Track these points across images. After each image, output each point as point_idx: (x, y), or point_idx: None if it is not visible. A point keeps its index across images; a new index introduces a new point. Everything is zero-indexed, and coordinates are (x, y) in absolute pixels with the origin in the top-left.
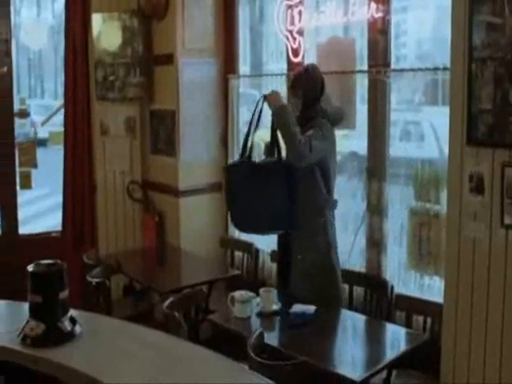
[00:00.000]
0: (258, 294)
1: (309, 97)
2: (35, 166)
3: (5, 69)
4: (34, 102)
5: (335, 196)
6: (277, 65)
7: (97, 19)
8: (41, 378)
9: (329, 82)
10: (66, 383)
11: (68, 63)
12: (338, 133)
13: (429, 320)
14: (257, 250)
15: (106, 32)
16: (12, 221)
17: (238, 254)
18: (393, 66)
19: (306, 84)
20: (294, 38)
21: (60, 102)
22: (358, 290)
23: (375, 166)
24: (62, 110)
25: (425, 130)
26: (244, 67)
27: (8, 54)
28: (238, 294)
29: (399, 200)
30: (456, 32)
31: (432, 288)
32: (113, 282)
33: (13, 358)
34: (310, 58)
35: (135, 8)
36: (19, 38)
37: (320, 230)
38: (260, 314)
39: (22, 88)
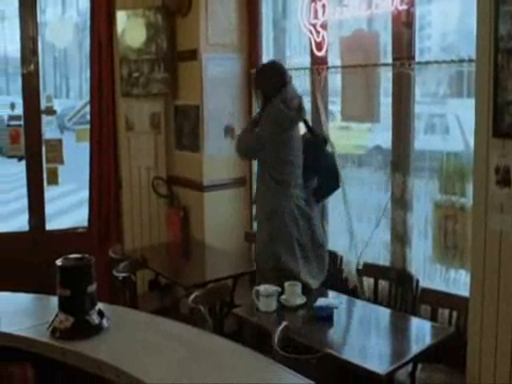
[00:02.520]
0: (282, 288)
1: (267, 94)
2: (62, 162)
3: (32, 67)
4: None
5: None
6: (300, 59)
7: (121, 16)
8: (69, 370)
9: (352, 75)
10: (94, 375)
11: (93, 60)
12: (363, 126)
13: (454, 314)
14: None
15: (131, 29)
16: (39, 217)
17: None
18: (417, 59)
19: (259, 85)
20: (318, 32)
21: (84, 101)
22: (383, 284)
23: (400, 159)
24: (88, 107)
25: (450, 123)
26: None
27: (35, 52)
28: (262, 287)
29: (424, 193)
30: (481, 23)
31: (458, 281)
32: (138, 276)
33: (42, 351)
34: (333, 51)
35: (159, 4)
36: (45, 36)
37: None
38: (285, 308)
39: (47, 87)
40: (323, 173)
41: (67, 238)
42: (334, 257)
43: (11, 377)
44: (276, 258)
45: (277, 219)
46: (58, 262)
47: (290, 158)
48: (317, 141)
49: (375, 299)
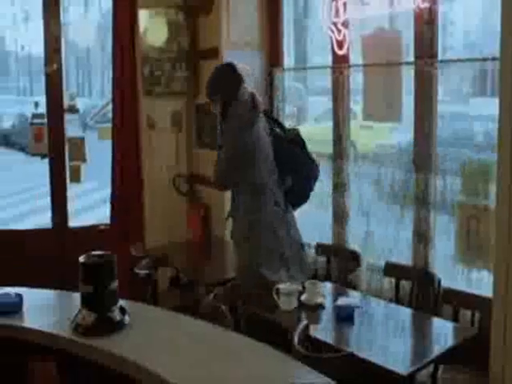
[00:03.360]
0: (303, 287)
1: (228, 97)
2: (84, 160)
3: (55, 66)
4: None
5: None
6: (321, 58)
7: (143, 15)
8: (92, 366)
9: (374, 74)
10: (116, 371)
11: (115, 59)
12: (384, 125)
13: (477, 315)
14: (302, 243)
15: (153, 27)
16: (62, 214)
17: None
18: (440, 57)
19: (217, 89)
20: (339, 30)
21: (106, 100)
22: (404, 284)
23: (422, 158)
24: (110, 106)
25: (473, 122)
26: (288, 60)
27: (58, 51)
28: (283, 286)
29: (446, 193)
30: (506, 20)
31: (480, 282)
32: (159, 273)
33: (65, 346)
34: (354, 50)
35: (181, 3)
36: (68, 36)
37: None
38: (305, 307)
39: (70, 86)
40: (298, 170)
41: (89, 235)
42: (354, 256)
43: (34, 372)
44: (258, 276)
45: (254, 239)
46: (81, 259)
47: (261, 159)
48: (288, 135)
49: (396, 299)
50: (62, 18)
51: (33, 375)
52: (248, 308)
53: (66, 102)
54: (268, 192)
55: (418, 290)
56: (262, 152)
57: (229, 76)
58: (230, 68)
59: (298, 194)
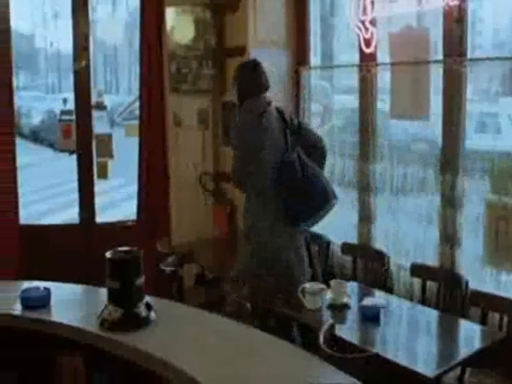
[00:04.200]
0: (328, 286)
1: (240, 93)
2: (111, 156)
3: (83, 63)
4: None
5: None
6: (348, 56)
7: (170, 13)
8: (118, 362)
9: (402, 72)
10: (141, 367)
11: (143, 57)
12: (411, 124)
13: (505, 318)
14: (328, 242)
15: (180, 25)
16: (89, 210)
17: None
18: (468, 56)
19: (234, 84)
20: (366, 29)
21: (133, 97)
22: (431, 285)
23: (450, 158)
24: (137, 103)
25: (502, 122)
26: (315, 58)
27: (86, 49)
28: (308, 285)
29: (475, 193)
30: None
31: (509, 284)
32: (185, 270)
33: (91, 341)
34: (382, 48)
35: (208, 1)
36: (96, 33)
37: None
38: (331, 306)
39: (98, 83)
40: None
41: (116, 231)
42: (381, 257)
43: (62, 366)
44: (249, 276)
45: (251, 240)
46: (108, 255)
47: (264, 162)
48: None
49: (423, 300)
50: (90, 16)
51: (60, 369)
52: (273, 306)
53: (94, 99)
54: (268, 199)
55: (445, 291)
56: (265, 158)
57: (247, 71)
58: (252, 65)
59: (297, 216)
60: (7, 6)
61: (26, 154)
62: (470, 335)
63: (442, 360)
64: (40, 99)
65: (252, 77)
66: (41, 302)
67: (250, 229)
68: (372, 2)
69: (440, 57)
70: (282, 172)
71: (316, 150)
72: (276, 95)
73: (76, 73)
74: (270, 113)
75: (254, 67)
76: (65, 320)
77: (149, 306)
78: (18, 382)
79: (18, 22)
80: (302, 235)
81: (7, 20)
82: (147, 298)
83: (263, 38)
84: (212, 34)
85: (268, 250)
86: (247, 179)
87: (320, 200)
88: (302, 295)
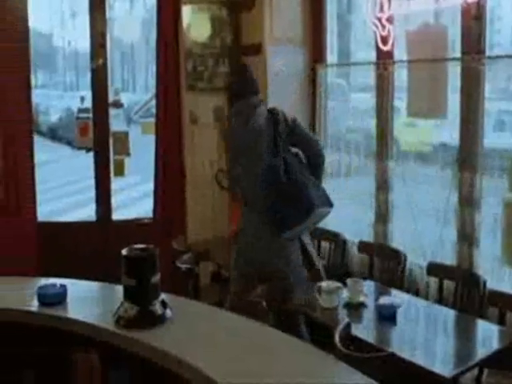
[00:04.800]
0: (344, 285)
1: (228, 97)
2: (128, 154)
3: (100, 61)
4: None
5: None
6: (365, 53)
7: (187, 11)
8: (133, 359)
9: (419, 70)
10: (156, 364)
11: (159, 55)
12: (429, 123)
13: None
14: (344, 241)
15: (196, 23)
16: (106, 207)
17: (324, 244)
18: (487, 53)
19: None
20: (383, 26)
21: (150, 95)
22: (448, 284)
23: (467, 156)
24: (153, 101)
25: None
26: (331, 56)
27: (103, 47)
28: (324, 284)
29: (493, 192)
30: None
31: None
32: (201, 268)
33: (107, 338)
34: (399, 45)
35: None
36: (113, 32)
37: None
38: (347, 305)
39: (115, 81)
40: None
41: (132, 228)
42: (397, 255)
43: (77, 363)
44: (241, 274)
45: (241, 238)
46: (124, 252)
47: (245, 168)
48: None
49: (440, 300)
50: (107, 14)
51: (76, 366)
52: (289, 305)
53: (111, 97)
54: (254, 203)
55: (463, 291)
56: (251, 162)
57: (236, 74)
58: (241, 68)
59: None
60: (26, 6)
61: (44, 152)
62: (488, 335)
63: (460, 360)
64: (58, 97)
65: (240, 80)
66: (57, 298)
67: (239, 230)
68: (389, 0)
69: (458, 54)
70: (265, 176)
71: (311, 155)
72: (292, 93)
73: (93, 71)
74: (258, 115)
75: (243, 71)
76: (81, 317)
77: (164, 304)
78: (35, 380)
79: (37, 21)
80: (292, 240)
81: (26, 20)
82: (163, 296)
83: (279, 36)
84: (228, 31)
85: (254, 250)
86: (235, 183)
87: (307, 205)
88: (317, 294)
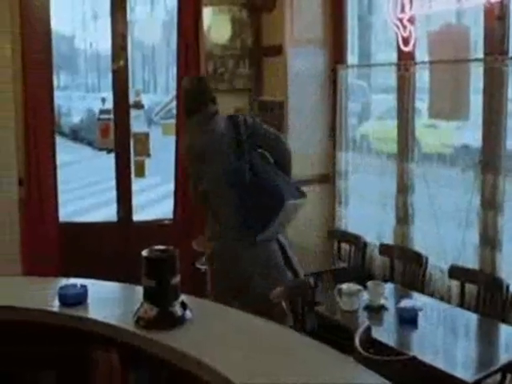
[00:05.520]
0: (365, 287)
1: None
2: (149, 155)
3: (121, 63)
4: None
5: None
6: (385, 54)
7: (207, 13)
8: (154, 360)
9: (441, 71)
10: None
11: (180, 56)
12: (450, 124)
13: None
14: (364, 243)
15: (217, 25)
16: (127, 208)
17: (345, 246)
18: (510, 54)
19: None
20: (405, 27)
21: (171, 96)
22: (471, 288)
23: (490, 158)
24: (174, 102)
25: None
26: (352, 57)
27: (124, 49)
28: (345, 286)
29: None
30: None
31: None
32: None
33: (127, 339)
34: (420, 46)
35: (244, 0)
36: (134, 33)
37: None
38: (367, 308)
39: (136, 82)
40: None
41: (153, 229)
42: (419, 258)
43: (98, 363)
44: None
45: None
46: (144, 253)
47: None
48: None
49: (462, 303)
50: (128, 16)
51: (97, 366)
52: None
53: (132, 98)
54: (224, 222)
55: (485, 294)
56: (211, 172)
57: (187, 90)
58: (194, 81)
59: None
60: (48, 8)
61: (66, 153)
62: (511, 340)
63: (481, 365)
64: (79, 99)
65: (194, 93)
66: (78, 299)
67: (213, 252)
68: (411, 0)
69: (480, 55)
70: (231, 179)
71: (277, 152)
72: (312, 94)
73: (114, 72)
74: (216, 122)
75: (196, 83)
76: (101, 317)
77: (184, 305)
78: (56, 379)
79: (59, 23)
80: (267, 245)
81: (48, 22)
82: (183, 297)
83: (300, 37)
84: (249, 33)
85: (234, 276)
86: (203, 199)
87: (277, 197)
88: (338, 296)
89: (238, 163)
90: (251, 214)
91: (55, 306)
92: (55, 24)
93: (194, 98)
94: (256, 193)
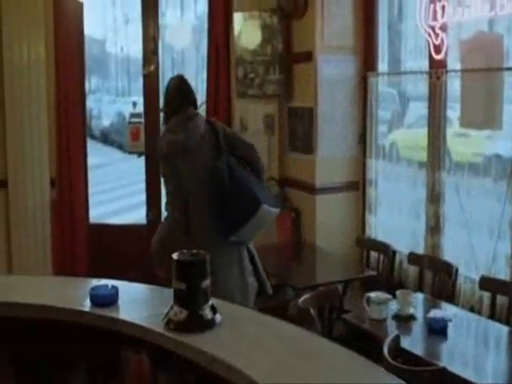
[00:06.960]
0: (394, 296)
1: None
2: None
3: (152, 67)
4: None
5: None
6: (414, 62)
7: (238, 18)
8: (183, 362)
9: (473, 80)
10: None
11: (210, 61)
12: (482, 133)
13: None
14: (393, 252)
15: (247, 30)
16: (156, 211)
17: (373, 254)
18: None
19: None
20: (437, 34)
21: (200, 101)
22: (502, 299)
23: None
24: (204, 107)
25: None
26: (382, 64)
27: (155, 52)
28: (374, 294)
29: None
30: None
31: None
32: None
33: (156, 341)
34: (452, 54)
35: (275, 6)
36: (165, 38)
37: None
38: (396, 317)
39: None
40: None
41: None
42: (449, 268)
43: (128, 363)
44: None
45: None
46: (175, 256)
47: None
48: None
49: (492, 315)
50: (159, 20)
51: (127, 366)
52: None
53: (162, 102)
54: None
55: None
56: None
57: (172, 89)
58: (175, 83)
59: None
60: (81, 12)
61: (97, 155)
62: None
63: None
64: (110, 102)
65: (175, 94)
66: (109, 299)
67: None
68: (443, 8)
69: None
70: (209, 176)
71: (253, 164)
72: (342, 101)
73: (145, 77)
74: (196, 123)
75: (177, 85)
76: (131, 318)
77: (214, 309)
78: (86, 378)
79: (91, 28)
80: (237, 248)
81: (81, 26)
82: (212, 301)
83: (330, 44)
84: (279, 39)
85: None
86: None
87: (252, 199)
88: (366, 304)
89: (219, 162)
90: (227, 213)
91: (86, 306)
92: (87, 28)
93: (179, 97)
94: (233, 192)
